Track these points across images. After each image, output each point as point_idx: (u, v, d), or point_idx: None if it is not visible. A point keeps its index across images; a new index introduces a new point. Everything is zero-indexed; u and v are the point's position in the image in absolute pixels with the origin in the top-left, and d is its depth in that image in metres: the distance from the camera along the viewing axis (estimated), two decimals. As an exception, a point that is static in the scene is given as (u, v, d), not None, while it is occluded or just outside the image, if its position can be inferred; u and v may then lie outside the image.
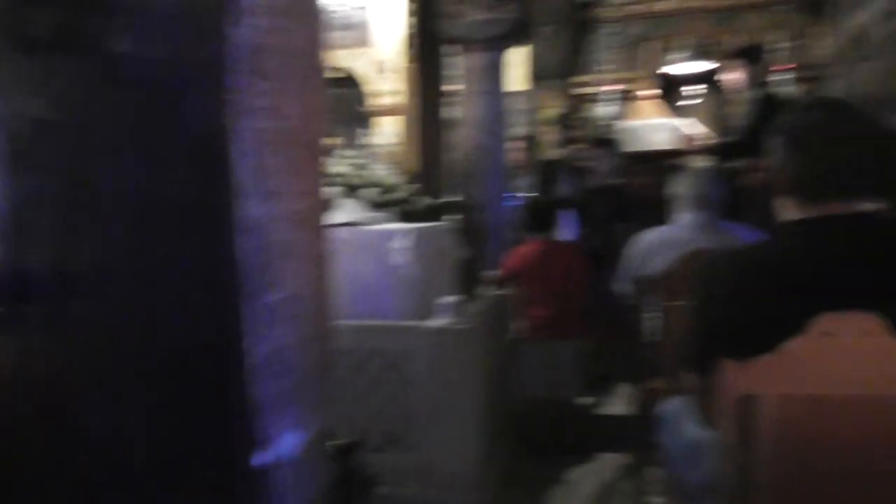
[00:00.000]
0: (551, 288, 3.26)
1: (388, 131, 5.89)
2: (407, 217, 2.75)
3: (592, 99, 6.89)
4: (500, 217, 4.08)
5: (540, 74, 7.10)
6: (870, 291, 1.16)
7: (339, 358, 2.22)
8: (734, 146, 4.84)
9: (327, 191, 1.96)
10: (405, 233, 2.58)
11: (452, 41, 3.95)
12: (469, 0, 3.73)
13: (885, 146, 1.28)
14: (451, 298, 2.43)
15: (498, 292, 3.10)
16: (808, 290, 1.19)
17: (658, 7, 6.83)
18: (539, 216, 3.49)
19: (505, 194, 4.41)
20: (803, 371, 1.16)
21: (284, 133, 1.03)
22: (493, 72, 3.96)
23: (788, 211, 1.33)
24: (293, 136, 1.06)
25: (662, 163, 5.61)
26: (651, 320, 2.59)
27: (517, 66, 7.29)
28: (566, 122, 6.61)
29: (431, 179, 3.95)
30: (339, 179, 2.67)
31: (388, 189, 2.72)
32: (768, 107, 4.99)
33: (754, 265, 1.30)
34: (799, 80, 5.64)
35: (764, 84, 5.22)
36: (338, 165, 2.75)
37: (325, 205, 1.37)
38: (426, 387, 2.35)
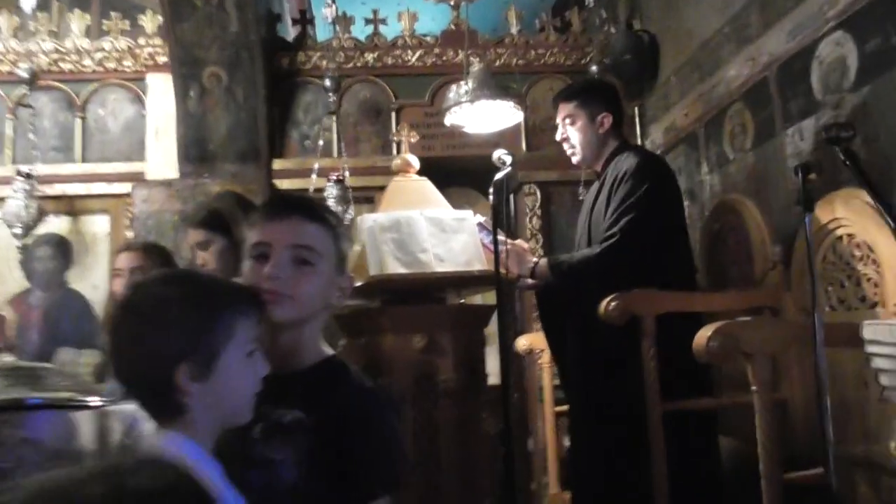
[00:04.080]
0: None
1: None
2: None
3: (315, 192, 4.01)
4: None
5: (206, 152, 4.06)
6: None
7: None
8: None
9: None
10: None
11: None
12: None
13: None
14: None
15: None
16: None
17: (406, 61, 4.33)
18: None
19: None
20: None
21: None
22: None
23: None
24: None
25: (447, 302, 2.81)
26: None
27: (162, 135, 4.26)
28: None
29: None
30: None
31: None
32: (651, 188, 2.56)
33: None
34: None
35: (636, 148, 2.84)
36: None
37: None
38: None
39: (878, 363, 1.57)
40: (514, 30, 4.37)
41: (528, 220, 4.32)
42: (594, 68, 4.20)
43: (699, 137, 3.72)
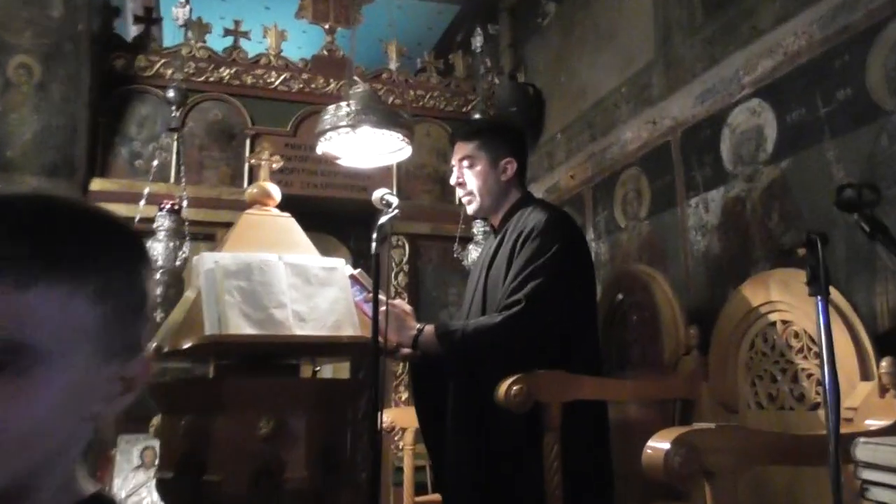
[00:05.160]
0: None
1: None
2: None
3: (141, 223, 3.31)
4: None
5: (2, 159, 3.25)
6: None
7: None
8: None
9: None
10: None
11: None
12: None
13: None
14: None
15: None
16: None
17: (269, 83, 3.79)
18: None
19: None
20: None
21: None
22: None
23: None
24: None
25: (300, 373, 2.24)
26: None
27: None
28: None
29: None
30: None
31: None
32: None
33: None
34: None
35: (542, 202, 2.45)
36: None
37: None
38: None
39: (877, 495, 1.23)
40: (393, 65, 3.97)
41: (393, 275, 3.84)
42: (477, 117, 3.88)
43: (586, 201, 3.47)
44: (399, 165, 3.90)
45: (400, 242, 3.90)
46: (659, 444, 1.29)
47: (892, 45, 1.89)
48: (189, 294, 2.14)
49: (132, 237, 0.67)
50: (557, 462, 1.89)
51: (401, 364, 3.60)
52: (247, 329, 1.80)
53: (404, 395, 3.66)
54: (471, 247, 3.65)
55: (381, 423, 2.57)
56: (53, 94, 3.31)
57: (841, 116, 2.05)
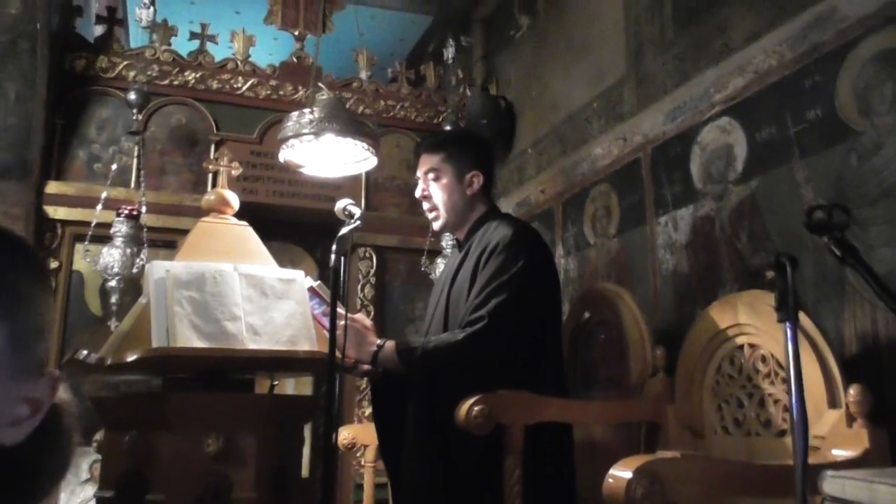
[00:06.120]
0: None
1: None
2: None
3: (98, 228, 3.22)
4: None
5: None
6: None
7: None
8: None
9: None
10: None
11: None
12: None
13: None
14: None
15: None
16: None
17: (236, 88, 3.70)
18: None
19: None
20: None
21: None
22: None
23: None
24: None
25: (255, 389, 2.15)
26: None
27: None
28: None
29: None
30: None
31: None
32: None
33: None
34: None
35: (508, 216, 2.39)
36: None
37: None
38: None
39: (844, 530, 1.18)
40: (363, 74, 3.90)
41: (360, 287, 3.76)
42: (447, 129, 3.83)
43: (556, 216, 3.43)
44: (368, 176, 3.84)
45: (367, 254, 3.82)
46: (620, 473, 1.24)
47: (862, 65, 1.88)
48: (142, 300, 2.05)
49: (30, 254, 0.63)
50: (519, 486, 1.83)
51: (364, 378, 3.52)
52: (196, 342, 1.72)
53: (367, 411, 3.57)
54: (439, 260, 3.59)
55: (337, 440, 2.48)
56: (7, 93, 3.19)
57: (811, 136, 2.03)
